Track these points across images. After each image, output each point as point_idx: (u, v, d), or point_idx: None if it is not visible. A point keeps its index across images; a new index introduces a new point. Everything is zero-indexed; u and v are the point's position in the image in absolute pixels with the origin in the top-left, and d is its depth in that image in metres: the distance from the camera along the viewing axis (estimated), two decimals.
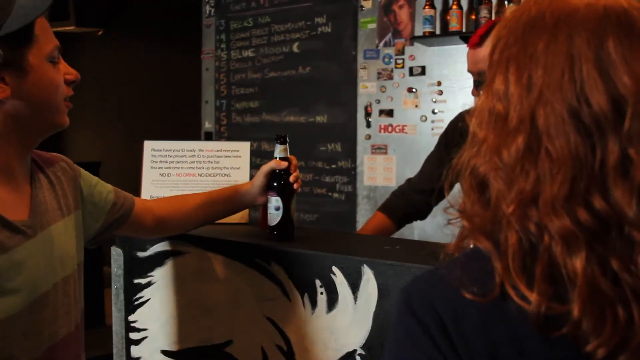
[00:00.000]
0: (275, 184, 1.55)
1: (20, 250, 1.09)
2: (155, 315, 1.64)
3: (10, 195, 1.12)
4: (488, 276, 0.65)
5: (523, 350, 0.63)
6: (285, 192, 1.54)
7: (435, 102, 3.57)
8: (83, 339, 1.28)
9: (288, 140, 1.58)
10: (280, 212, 1.54)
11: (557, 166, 0.61)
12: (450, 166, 0.72)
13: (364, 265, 1.34)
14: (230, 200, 1.58)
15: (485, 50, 1.88)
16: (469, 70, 1.95)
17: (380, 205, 2.12)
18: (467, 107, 2.24)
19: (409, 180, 2.12)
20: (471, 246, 0.71)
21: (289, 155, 1.59)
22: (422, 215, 2.08)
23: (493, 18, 3.30)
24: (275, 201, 1.54)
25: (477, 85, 1.90)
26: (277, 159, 1.57)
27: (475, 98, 1.91)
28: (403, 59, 3.69)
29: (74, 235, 1.27)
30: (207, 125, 4.51)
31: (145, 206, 1.45)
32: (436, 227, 2.87)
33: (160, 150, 1.77)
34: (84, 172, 1.36)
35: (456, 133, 2.02)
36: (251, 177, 1.75)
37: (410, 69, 3.66)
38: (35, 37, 1.07)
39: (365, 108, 3.81)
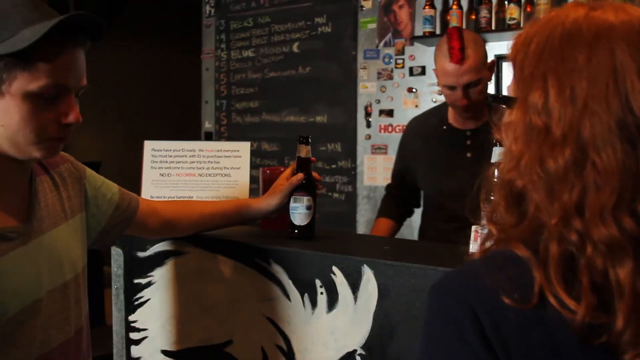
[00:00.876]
0: (304, 182, 1.56)
1: (6, 259, 1.05)
2: (156, 315, 1.64)
3: (7, 202, 1.10)
4: (527, 283, 0.65)
5: (560, 356, 0.64)
6: (314, 191, 1.58)
7: (435, 102, 3.57)
8: (87, 342, 1.26)
9: (310, 140, 1.60)
10: (312, 212, 1.57)
11: (604, 177, 0.62)
12: (482, 178, 0.75)
13: (364, 265, 1.34)
14: (239, 214, 1.58)
15: (468, 63, 1.94)
16: (449, 85, 2.01)
17: (377, 212, 2.37)
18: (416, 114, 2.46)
19: (388, 186, 2.39)
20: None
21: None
22: (417, 205, 2.35)
23: (493, 18, 3.30)
24: (307, 200, 1.56)
25: (466, 95, 1.99)
26: (301, 158, 1.57)
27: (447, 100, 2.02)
28: (403, 59, 3.69)
29: (78, 238, 1.25)
30: (207, 125, 4.51)
31: (151, 207, 1.45)
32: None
33: (161, 150, 1.77)
34: (90, 173, 1.34)
35: (407, 147, 2.29)
36: (251, 178, 1.75)
37: (410, 69, 3.66)
38: (27, 68, 0.99)
39: (365, 108, 3.81)
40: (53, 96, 1.03)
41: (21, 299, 1.08)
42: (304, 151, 1.59)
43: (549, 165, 0.65)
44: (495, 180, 0.73)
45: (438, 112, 2.22)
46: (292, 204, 1.56)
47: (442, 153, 2.13)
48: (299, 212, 1.56)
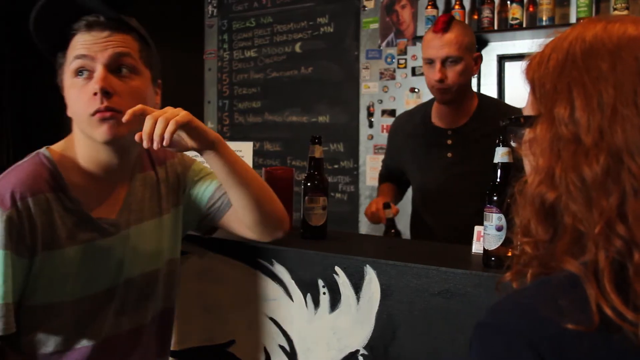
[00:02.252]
0: (316, 182, 1.57)
1: (95, 246, 1.19)
2: None
3: (105, 193, 1.24)
4: (584, 303, 0.63)
5: None
6: (328, 191, 1.60)
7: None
8: (163, 333, 1.38)
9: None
10: (326, 212, 1.58)
11: None
12: (510, 195, 0.74)
13: (367, 265, 1.34)
14: None
15: (450, 35, 1.92)
16: (428, 57, 1.99)
17: (378, 182, 2.42)
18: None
19: (380, 174, 2.42)
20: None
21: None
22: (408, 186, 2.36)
23: (495, 18, 3.30)
24: (322, 201, 1.57)
25: (442, 71, 1.97)
26: (314, 157, 1.60)
27: (429, 79, 2.01)
28: (405, 59, 3.68)
29: (170, 233, 1.35)
30: (210, 125, 4.51)
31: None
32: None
33: None
34: (195, 166, 1.42)
35: (393, 143, 2.30)
36: None
37: (413, 68, 3.66)
38: (63, 57, 1.17)
39: (368, 108, 3.81)
40: (82, 74, 1.15)
41: (99, 284, 1.20)
42: (317, 152, 1.60)
43: (585, 173, 0.65)
44: (520, 197, 0.72)
45: (422, 110, 2.21)
46: (307, 205, 1.56)
47: (424, 152, 2.13)
48: (315, 213, 1.55)
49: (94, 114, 1.14)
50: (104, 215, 1.22)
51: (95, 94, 1.13)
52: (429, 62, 1.99)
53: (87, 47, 1.14)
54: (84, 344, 1.20)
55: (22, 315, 1.14)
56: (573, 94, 0.67)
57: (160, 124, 1.11)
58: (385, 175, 2.38)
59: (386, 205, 1.95)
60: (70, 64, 1.15)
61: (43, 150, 1.21)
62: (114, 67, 1.16)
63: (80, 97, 1.15)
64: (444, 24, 1.95)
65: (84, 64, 1.14)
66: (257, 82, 4.30)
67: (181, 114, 1.14)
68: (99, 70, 1.14)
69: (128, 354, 1.28)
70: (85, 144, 1.20)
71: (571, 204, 0.66)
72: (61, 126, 1.27)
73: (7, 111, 5.21)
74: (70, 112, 1.19)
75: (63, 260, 1.15)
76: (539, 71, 0.72)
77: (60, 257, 1.15)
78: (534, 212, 0.70)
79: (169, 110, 1.15)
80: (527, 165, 0.75)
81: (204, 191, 1.39)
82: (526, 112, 0.76)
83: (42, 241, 1.13)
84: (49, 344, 1.17)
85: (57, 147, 1.23)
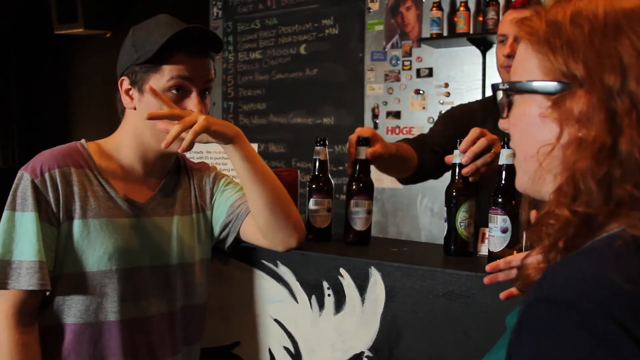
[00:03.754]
0: (321, 184, 1.56)
1: (117, 222, 1.31)
2: None
3: (136, 183, 1.37)
4: None
5: None
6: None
7: (442, 103, 3.56)
8: (195, 326, 1.44)
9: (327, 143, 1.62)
10: (331, 213, 1.57)
11: None
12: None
13: (372, 267, 1.34)
14: None
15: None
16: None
17: (405, 140, 1.88)
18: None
19: (420, 139, 1.90)
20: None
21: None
22: (436, 174, 1.90)
23: (500, 19, 3.29)
24: (327, 203, 1.57)
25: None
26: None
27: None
28: (410, 61, 3.68)
29: (196, 233, 1.43)
30: None
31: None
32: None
33: None
34: (224, 179, 1.50)
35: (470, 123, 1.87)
36: None
37: (418, 70, 3.65)
38: (159, 69, 1.28)
39: (373, 110, 3.81)
40: (178, 90, 1.29)
41: (119, 260, 1.29)
42: (322, 153, 1.59)
43: None
44: (559, 161, 0.69)
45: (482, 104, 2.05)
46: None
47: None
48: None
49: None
50: (132, 197, 1.34)
51: None
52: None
53: (190, 70, 1.29)
54: (109, 318, 1.29)
55: (51, 282, 1.26)
56: (624, 60, 0.65)
57: (180, 130, 1.23)
58: (427, 143, 1.86)
59: (362, 141, 1.53)
60: (169, 79, 1.28)
61: (81, 140, 1.37)
62: (202, 90, 1.33)
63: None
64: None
65: (183, 84, 1.29)
66: (262, 83, 4.30)
67: (199, 121, 1.23)
68: (195, 94, 1.31)
69: (151, 338, 1.35)
70: (136, 145, 1.35)
71: (630, 175, 0.64)
72: (65, 129, 1.29)
73: (14, 114, 5.23)
74: (142, 116, 1.28)
75: (83, 230, 1.27)
76: (562, 36, 0.69)
77: (82, 227, 1.27)
78: (587, 183, 0.66)
79: (189, 116, 1.25)
80: (534, 134, 0.72)
81: (227, 199, 1.46)
82: (528, 77, 0.73)
83: (65, 211, 1.27)
84: (74, 312, 1.28)
85: (96, 141, 1.38)
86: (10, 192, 1.26)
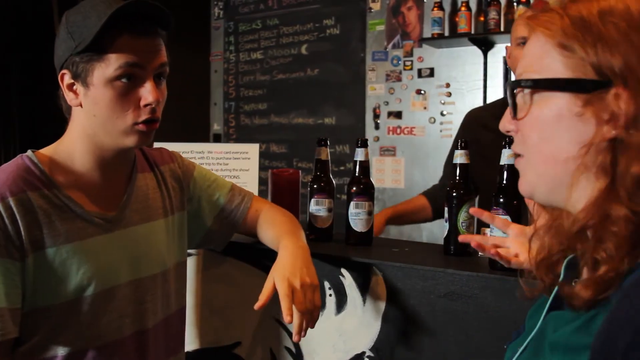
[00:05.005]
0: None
1: (89, 243, 1.14)
2: None
3: (101, 191, 1.19)
4: None
5: None
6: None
7: (443, 104, 3.56)
8: (174, 337, 1.34)
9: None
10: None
11: None
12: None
13: (373, 267, 1.34)
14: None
15: None
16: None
17: (423, 191, 2.18)
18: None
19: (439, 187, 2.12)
20: None
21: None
22: None
23: (502, 20, 3.29)
24: (329, 203, 1.57)
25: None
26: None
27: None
28: (411, 61, 3.68)
29: (175, 235, 1.32)
30: (216, 127, 4.52)
31: (257, 209, 1.44)
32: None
33: None
34: (199, 173, 1.40)
35: (471, 133, 1.98)
36: (260, 179, 1.75)
37: (419, 70, 3.65)
38: (103, 58, 1.09)
39: (374, 110, 3.81)
40: (129, 79, 1.11)
41: (97, 283, 1.14)
42: (324, 154, 1.59)
43: None
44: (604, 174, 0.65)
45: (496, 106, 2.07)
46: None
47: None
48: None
49: (137, 124, 1.13)
50: (102, 211, 1.18)
51: (146, 105, 1.12)
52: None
53: (139, 54, 1.11)
54: (88, 348, 1.15)
55: (22, 320, 1.09)
56: None
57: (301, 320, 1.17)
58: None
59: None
60: (117, 68, 1.09)
61: (27, 152, 1.17)
62: (155, 75, 1.15)
63: (122, 104, 1.12)
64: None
65: (133, 72, 1.11)
66: (263, 83, 4.31)
67: (316, 309, 1.19)
68: (149, 83, 1.12)
69: (133, 358, 1.22)
70: (90, 148, 1.16)
71: None
72: (67, 125, 1.24)
73: (15, 113, 5.23)
74: (90, 113, 1.13)
75: (56, 259, 1.10)
76: (591, 33, 0.66)
77: (52, 256, 1.10)
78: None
79: (309, 301, 1.18)
80: (560, 135, 0.67)
81: (213, 204, 1.40)
82: (553, 73, 0.68)
83: (30, 242, 1.08)
84: (51, 350, 1.12)
85: (45, 150, 1.19)
86: None
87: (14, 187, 1.09)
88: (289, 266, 1.21)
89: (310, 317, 1.18)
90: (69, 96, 1.14)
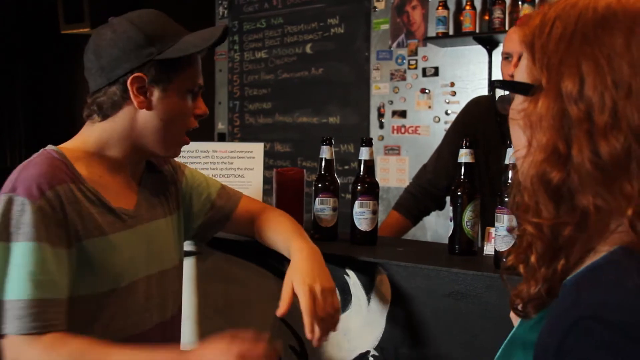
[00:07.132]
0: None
1: (118, 236, 1.19)
2: None
3: (121, 188, 1.25)
4: None
5: None
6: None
7: (448, 103, 3.56)
8: (177, 328, 1.39)
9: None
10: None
11: None
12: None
13: (378, 266, 1.34)
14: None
15: None
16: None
17: (394, 203, 2.17)
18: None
19: (424, 170, 2.14)
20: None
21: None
22: (440, 207, 2.14)
23: (507, 19, 3.28)
24: (333, 202, 1.57)
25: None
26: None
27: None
28: (416, 60, 3.68)
29: (175, 234, 1.37)
30: (220, 126, 4.53)
31: (248, 209, 1.47)
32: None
33: None
34: (189, 173, 1.45)
35: (470, 128, 2.01)
36: (264, 178, 1.75)
37: (424, 69, 3.65)
38: (185, 69, 1.21)
39: (378, 109, 3.81)
40: (196, 94, 1.25)
41: (125, 277, 1.19)
42: (328, 153, 1.59)
43: (602, 152, 0.62)
44: (525, 177, 0.69)
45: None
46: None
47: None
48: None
49: (185, 135, 1.26)
50: (123, 206, 1.23)
51: (198, 115, 1.27)
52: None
53: (200, 71, 1.26)
54: (114, 341, 1.14)
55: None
56: (582, 68, 0.64)
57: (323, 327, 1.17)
58: (429, 180, 2.11)
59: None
60: (194, 81, 1.23)
61: (48, 147, 1.19)
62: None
63: (187, 112, 1.24)
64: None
65: (197, 90, 1.26)
66: (268, 83, 4.31)
67: (337, 312, 1.20)
68: (200, 97, 1.27)
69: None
70: (129, 144, 1.23)
71: (588, 185, 0.63)
72: (72, 128, 1.26)
73: (21, 114, 5.25)
74: (157, 117, 1.21)
75: (93, 251, 1.13)
76: (541, 38, 0.69)
77: (90, 248, 1.13)
78: (541, 192, 0.66)
79: (330, 305, 1.18)
80: (519, 135, 0.71)
81: (202, 201, 1.43)
82: (519, 77, 0.72)
83: (74, 232, 1.11)
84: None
85: (67, 145, 1.22)
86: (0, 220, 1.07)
87: (56, 177, 1.11)
88: (307, 270, 1.22)
89: (332, 321, 1.18)
90: (138, 98, 1.18)
